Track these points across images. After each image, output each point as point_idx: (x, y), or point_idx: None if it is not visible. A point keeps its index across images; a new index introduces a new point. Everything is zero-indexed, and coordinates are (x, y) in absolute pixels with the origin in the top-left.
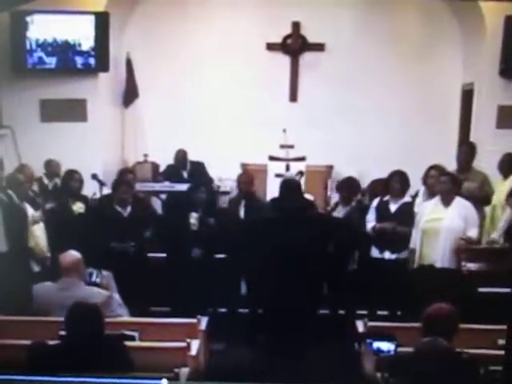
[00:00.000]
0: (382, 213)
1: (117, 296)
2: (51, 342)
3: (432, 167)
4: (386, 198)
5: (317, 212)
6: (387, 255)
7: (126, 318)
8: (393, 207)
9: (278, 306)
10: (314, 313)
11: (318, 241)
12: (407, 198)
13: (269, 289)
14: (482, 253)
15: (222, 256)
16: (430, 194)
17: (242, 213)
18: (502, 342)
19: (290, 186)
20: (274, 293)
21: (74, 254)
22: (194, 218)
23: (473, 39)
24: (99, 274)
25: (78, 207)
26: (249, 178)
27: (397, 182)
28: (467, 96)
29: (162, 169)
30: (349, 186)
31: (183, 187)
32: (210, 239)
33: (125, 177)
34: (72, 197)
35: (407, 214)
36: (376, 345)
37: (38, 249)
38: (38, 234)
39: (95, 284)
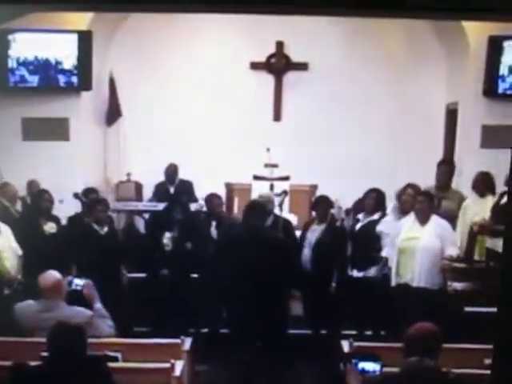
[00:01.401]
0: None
1: (100, 306)
2: (33, 363)
3: (408, 185)
4: (360, 215)
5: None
6: (355, 273)
7: (109, 339)
8: (359, 224)
9: (249, 327)
10: (284, 332)
11: (278, 261)
12: (375, 216)
13: (237, 309)
14: (467, 272)
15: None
16: (402, 211)
17: (213, 233)
18: (488, 361)
19: (252, 208)
20: (242, 313)
21: (53, 275)
22: (167, 238)
23: (457, 59)
24: (79, 282)
25: (50, 227)
26: (218, 198)
27: (372, 199)
28: (451, 115)
29: (145, 187)
30: (322, 204)
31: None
32: (184, 259)
33: (90, 196)
34: (43, 217)
35: (367, 233)
36: (361, 365)
37: (4, 271)
38: (6, 256)
39: (75, 291)
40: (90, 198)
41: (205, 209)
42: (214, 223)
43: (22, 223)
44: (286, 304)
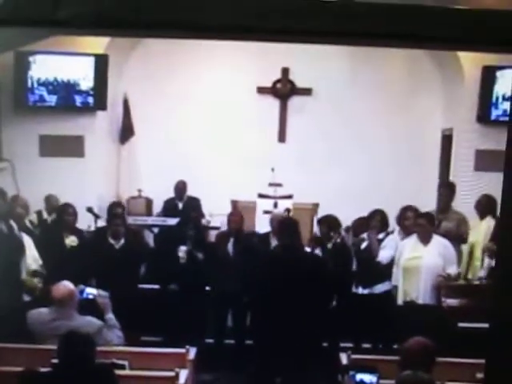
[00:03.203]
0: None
1: (111, 316)
2: (43, 370)
3: (407, 208)
4: (363, 235)
5: (306, 251)
6: (360, 290)
7: (117, 348)
8: (364, 244)
9: (273, 340)
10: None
11: (309, 280)
12: (380, 236)
13: (263, 322)
14: (461, 289)
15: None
16: (405, 233)
17: (230, 248)
18: (480, 375)
19: (289, 225)
20: (270, 326)
21: (66, 285)
22: (182, 251)
23: (452, 87)
24: (92, 291)
25: (71, 241)
26: (238, 215)
27: (378, 222)
28: (447, 140)
29: (155, 203)
30: (328, 223)
31: (174, 221)
32: (197, 272)
33: (115, 210)
34: (66, 230)
35: (371, 251)
36: (359, 377)
37: (29, 281)
38: (29, 265)
39: (87, 300)
40: (112, 213)
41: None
42: (231, 239)
43: (43, 235)
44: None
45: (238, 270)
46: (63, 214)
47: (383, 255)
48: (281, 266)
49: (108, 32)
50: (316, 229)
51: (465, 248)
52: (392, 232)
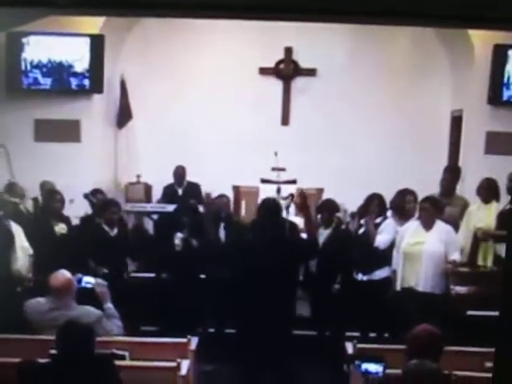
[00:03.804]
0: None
1: (110, 305)
2: (41, 361)
3: (407, 192)
4: (362, 220)
5: (295, 234)
6: (360, 277)
7: (117, 338)
8: (362, 229)
9: (257, 327)
10: (288, 333)
11: (292, 263)
12: (378, 220)
13: (246, 310)
14: (470, 276)
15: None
16: (401, 217)
17: (221, 234)
18: (489, 364)
19: (268, 208)
20: (251, 314)
21: (64, 275)
22: (178, 238)
23: (462, 67)
24: (90, 280)
25: (60, 228)
26: (226, 198)
27: (376, 206)
28: (456, 122)
29: (154, 188)
30: (328, 208)
31: (173, 208)
32: (193, 260)
33: (96, 196)
34: (54, 218)
35: (369, 236)
36: (364, 366)
37: (17, 272)
38: (19, 256)
39: (85, 288)
40: (102, 199)
41: None
42: (222, 224)
43: (34, 224)
44: (294, 304)
45: (228, 257)
46: (50, 202)
47: (380, 240)
48: (262, 253)
49: (103, 11)
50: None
51: (469, 233)
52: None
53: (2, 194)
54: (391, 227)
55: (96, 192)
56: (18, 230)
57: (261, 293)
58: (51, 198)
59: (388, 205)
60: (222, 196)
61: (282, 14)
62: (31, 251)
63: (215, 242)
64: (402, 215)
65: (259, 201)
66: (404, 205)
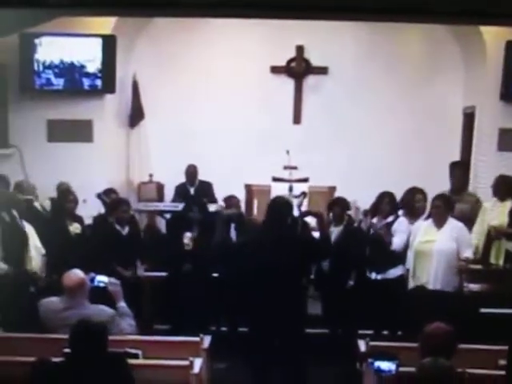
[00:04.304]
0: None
1: (123, 304)
2: (55, 359)
3: (416, 190)
4: (374, 219)
5: (307, 233)
6: (373, 275)
7: (130, 337)
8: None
9: (261, 325)
10: (300, 332)
11: (303, 261)
12: (390, 219)
13: (250, 309)
14: (483, 274)
15: (216, 275)
16: (411, 216)
17: (232, 234)
18: (503, 362)
19: (278, 206)
20: (255, 312)
21: (77, 274)
22: (187, 237)
23: (474, 64)
24: (103, 279)
25: (75, 228)
26: (235, 198)
27: (387, 204)
28: (469, 119)
29: (166, 188)
30: (339, 205)
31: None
32: (204, 259)
33: (110, 196)
34: (68, 218)
35: (381, 235)
36: (377, 364)
37: (31, 271)
38: (32, 255)
39: (98, 288)
40: (113, 199)
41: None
42: (232, 224)
43: (49, 223)
44: (305, 302)
45: (239, 256)
46: (64, 202)
47: (396, 243)
48: (270, 252)
49: (115, 11)
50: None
51: (483, 230)
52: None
53: (14, 193)
54: (404, 227)
55: (109, 192)
56: (30, 229)
57: (272, 291)
58: (65, 198)
59: (399, 203)
60: (231, 197)
61: (294, 12)
62: (43, 251)
63: (226, 241)
64: (412, 214)
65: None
66: (413, 203)
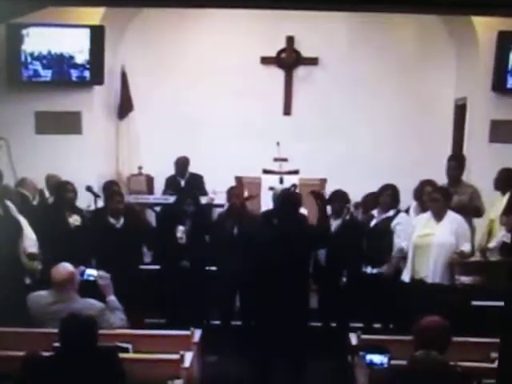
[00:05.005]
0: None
1: (113, 298)
2: (45, 354)
3: (426, 183)
4: (374, 211)
5: (309, 225)
6: (369, 270)
7: (120, 331)
8: (374, 221)
9: (270, 319)
10: (305, 325)
11: (309, 255)
12: (390, 213)
13: (262, 301)
14: (475, 266)
15: (213, 269)
16: (423, 209)
17: (234, 226)
18: (494, 355)
19: (288, 199)
20: (266, 305)
21: (66, 267)
22: (180, 231)
23: (466, 54)
24: (92, 272)
25: (74, 220)
26: (240, 190)
27: (388, 196)
28: (460, 110)
29: (156, 180)
30: (339, 198)
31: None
32: (200, 252)
33: (114, 188)
34: (68, 209)
35: (382, 229)
36: (369, 357)
37: (29, 263)
38: (27, 247)
39: (87, 281)
40: (106, 191)
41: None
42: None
43: (47, 215)
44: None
45: (241, 249)
46: (64, 193)
47: (399, 244)
48: (279, 244)
49: (103, 1)
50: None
51: (482, 224)
52: (407, 210)
53: (7, 186)
54: (407, 226)
55: (111, 184)
56: (24, 222)
57: (283, 283)
58: (64, 188)
59: (413, 195)
60: (233, 188)
61: (286, 2)
62: (37, 243)
63: (227, 233)
64: (423, 206)
65: (262, 191)
66: (422, 196)
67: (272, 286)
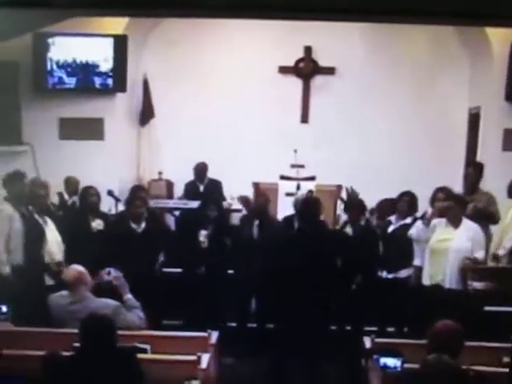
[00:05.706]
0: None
1: (130, 296)
2: (65, 353)
3: (440, 189)
4: (391, 217)
5: (330, 230)
6: (385, 274)
7: (139, 332)
8: (391, 227)
9: (290, 322)
10: (326, 328)
11: (332, 259)
12: (408, 220)
13: (282, 304)
14: (487, 272)
15: (231, 272)
16: (438, 215)
17: (255, 231)
18: (506, 359)
19: (310, 204)
20: (286, 308)
21: (76, 269)
22: (203, 235)
23: (480, 64)
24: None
25: (97, 224)
26: (264, 196)
27: (405, 203)
28: (474, 119)
29: (176, 185)
30: (356, 207)
31: (195, 204)
32: (221, 256)
33: (138, 193)
34: (91, 213)
35: (399, 236)
36: (383, 360)
37: (52, 264)
38: (54, 250)
39: (103, 282)
40: (129, 195)
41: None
42: (256, 221)
43: (71, 219)
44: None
45: (263, 253)
46: (87, 197)
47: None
48: (302, 248)
49: (127, 12)
50: (339, 211)
51: (496, 230)
52: (422, 216)
53: (30, 188)
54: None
55: (138, 189)
56: (51, 225)
57: (306, 287)
58: (87, 193)
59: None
60: (260, 196)
61: (305, 13)
62: (63, 245)
63: (249, 236)
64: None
65: (279, 197)
66: (434, 202)
67: (295, 289)
